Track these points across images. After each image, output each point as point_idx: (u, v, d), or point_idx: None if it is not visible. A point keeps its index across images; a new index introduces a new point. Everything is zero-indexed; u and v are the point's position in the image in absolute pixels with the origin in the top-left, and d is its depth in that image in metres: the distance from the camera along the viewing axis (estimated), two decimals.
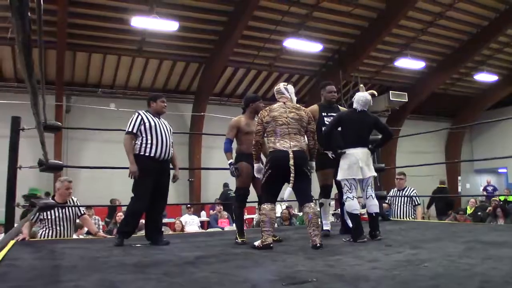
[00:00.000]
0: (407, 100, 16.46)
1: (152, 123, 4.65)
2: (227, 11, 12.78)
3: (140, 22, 11.50)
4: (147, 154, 4.58)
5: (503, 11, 14.53)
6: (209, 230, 10.11)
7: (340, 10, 13.43)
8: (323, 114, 5.10)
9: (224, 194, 12.67)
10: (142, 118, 4.65)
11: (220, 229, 9.84)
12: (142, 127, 4.62)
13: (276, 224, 9.10)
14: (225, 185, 12.65)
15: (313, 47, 14.02)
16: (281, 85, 4.46)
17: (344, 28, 14.50)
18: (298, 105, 4.39)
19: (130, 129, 4.63)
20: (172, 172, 4.96)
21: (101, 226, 9.23)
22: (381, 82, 17.88)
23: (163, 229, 5.24)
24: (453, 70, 17.33)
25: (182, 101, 15.90)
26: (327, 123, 4.95)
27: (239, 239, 4.59)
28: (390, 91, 16.36)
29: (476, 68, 18.06)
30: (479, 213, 10.23)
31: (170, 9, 11.99)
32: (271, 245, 4.02)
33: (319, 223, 4.27)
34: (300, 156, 4.15)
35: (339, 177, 4.58)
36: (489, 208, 9.96)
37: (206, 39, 13.84)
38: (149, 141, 4.60)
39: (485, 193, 15.27)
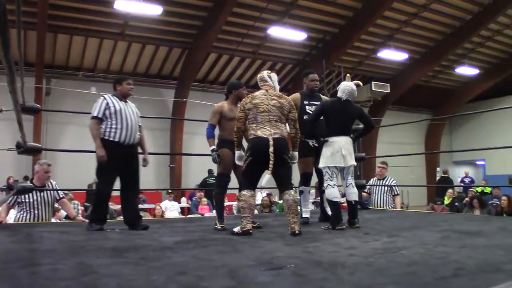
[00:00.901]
0: (389, 91, 16.58)
1: (118, 107, 4.57)
2: None
3: (124, 5, 11.33)
4: (111, 138, 4.50)
5: (486, 5, 14.68)
6: (189, 216, 10.11)
7: None
8: (305, 102, 5.10)
9: (203, 181, 12.67)
10: (107, 103, 4.56)
11: (200, 215, 9.85)
12: (108, 112, 4.53)
13: (256, 211, 9.14)
14: (210, 172, 12.63)
15: (297, 36, 14.00)
16: (264, 73, 4.45)
17: (329, 18, 14.50)
18: (280, 93, 4.38)
19: (95, 114, 4.55)
20: (142, 156, 4.95)
21: (80, 211, 9.16)
22: (364, 73, 17.96)
23: (142, 214, 5.22)
24: (435, 62, 17.49)
25: (164, 87, 15.78)
26: (309, 111, 5.00)
27: (218, 225, 4.58)
28: (373, 82, 16.45)
29: (458, 61, 18.26)
30: (456, 204, 10.39)
31: None
32: (250, 231, 4.03)
33: (299, 210, 4.30)
34: (280, 143, 4.15)
35: (321, 165, 4.60)
36: (466, 199, 10.12)
37: (190, 25, 13.72)
38: (113, 126, 4.52)
39: (462, 184, 15.51)
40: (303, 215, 5.09)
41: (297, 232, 3.91)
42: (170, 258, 2.92)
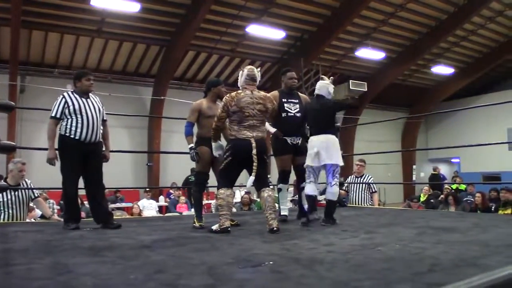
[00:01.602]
0: (366, 89, 16.74)
1: (77, 105, 4.44)
2: None
3: (100, 1, 11.18)
4: (72, 136, 4.40)
5: (461, 6, 14.93)
6: (167, 214, 10.06)
7: None
8: (283, 100, 5.09)
9: (185, 179, 12.59)
10: (66, 101, 4.44)
11: (178, 214, 9.80)
12: (67, 111, 4.42)
13: (235, 209, 9.13)
14: (192, 170, 12.54)
15: (275, 34, 14.03)
16: (255, 71, 4.39)
17: (307, 16, 14.55)
18: (264, 94, 4.36)
19: (53, 114, 4.45)
20: (107, 152, 4.84)
21: (56, 210, 9.04)
22: (342, 71, 18.08)
23: (120, 213, 5.16)
24: (411, 61, 17.72)
25: (142, 84, 15.64)
26: (287, 109, 5.02)
27: (197, 223, 4.55)
28: (350, 80, 16.59)
29: (434, 60, 18.54)
30: (431, 200, 10.55)
31: None
32: (229, 228, 4.02)
33: (276, 207, 4.30)
34: (261, 145, 4.17)
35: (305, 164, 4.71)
36: (441, 196, 10.28)
37: (168, 22, 13.62)
38: (73, 123, 4.40)
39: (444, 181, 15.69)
40: (282, 213, 5.08)
41: (275, 228, 3.92)
42: (148, 257, 2.91)
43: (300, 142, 5.06)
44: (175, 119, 7.25)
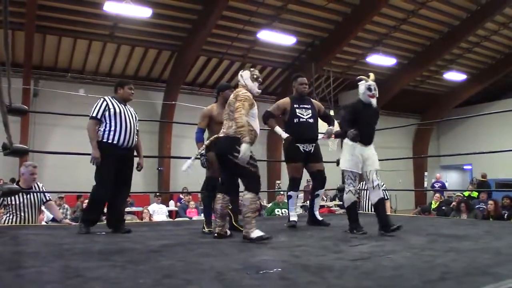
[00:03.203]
0: (377, 95, 16.64)
1: (117, 110, 4.54)
2: (202, 0, 12.66)
3: (113, 7, 11.28)
4: (110, 141, 4.47)
5: (474, 11, 14.83)
6: (177, 219, 10.08)
7: (315, 3, 13.47)
8: (295, 106, 5.07)
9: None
10: (107, 104, 4.54)
11: (188, 219, 9.82)
12: (107, 113, 4.50)
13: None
14: None
15: (286, 40, 14.04)
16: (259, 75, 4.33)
17: (318, 22, 14.55)
18: (236, 90, 4.22)
19: (94, 114, 4.52)
20: (136, 160, 4.91)
21: (68, 216, 9.10)
22: (353, 77, 17.92)
23: (130, 218, 5.19)
24: (423, 67, 17.63)
25: (153, 89, 15.73)
26: (300, 114, 5.01)
27: (206, 229, 4.53)
28: None
29: (446, 66, 18.42)
30: (443, 208, 10.46)
31: None
32: (215, 234, 4.05)
33: (251, 214, 3.94)
34: (221, 142, 4.08)
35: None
36: (453, 203, 10.19)
37: (180, 27, 13.70)
38: (112, 128, 4.49)
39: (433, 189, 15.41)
40: (291, 219, 5.03)
41: (246, 236, 3.81)
42: (157, 261, 2.91)
43: (313, 149, 5.03)
44: (186, 124, 7.26)
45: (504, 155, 15.42)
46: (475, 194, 11.77)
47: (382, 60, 16.20)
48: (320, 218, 5.24)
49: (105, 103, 4.55)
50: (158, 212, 10.84)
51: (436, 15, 14.91)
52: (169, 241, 3.88)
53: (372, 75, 4.68)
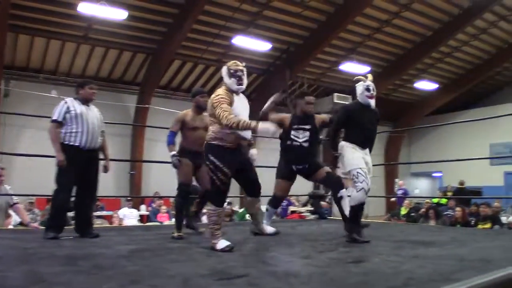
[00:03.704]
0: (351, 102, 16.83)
1: (79, 111, 4.46)
2: (178, 3, 12.59)
3: (88, 8, 11.13)
4: (71, 143, 4.39)
5: (446, 22, 15.14)
6: (147, 224, 9.98)
7: (290, 10, 13.55)
8: (293, 126, 4.69)
9: None
10: (68, 106, 4.46)
11: (159, 223, 9.73)
12: (68, 115, 4.43)
13: None
14: None
15: (262, 46, 14.08)
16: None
17: (294, 29, 14.64)
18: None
19: (55, 117, 4.43)
20: (103, 161, 4.84)
21: (38, 220, 8.92)
22: (327, 84, 18.19)
23: (99, 222, 5.11)
24: (395, 76, 17.90)
25: (126, 92, 15.55)
26: (293, 137, 4.67)
27: (176, 234, 4.51)
28: (335, 94, 16.70)
29: (418, 75, 18.74)
30: (412, 214, 10.62)
31: None
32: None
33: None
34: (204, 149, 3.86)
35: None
36: (422, 209, 10.36)
37: (155, 30, 13.60)
38: (74, 130, 4.41)
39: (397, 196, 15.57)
40: (268, 231, 4.71)
41: (212, 247, 3.66)
42: (124, 267, 2.88)
43: (307, 166, 4.67)
44: (159, 128, 7.21)
45: (473, 163, 15.77)
46: (444, 201, 12.00)
47: (356, 68, 16.39)
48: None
49: (66, 105, 4.47)
50: (129, 216, 10.71)
51: (409, 25, 15.17)
52: (138, 246, 3.84)
53: (370, 76, 4.62)
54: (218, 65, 15.50)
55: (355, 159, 4.23)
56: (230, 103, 3.69)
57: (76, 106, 4.49)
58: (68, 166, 4.34)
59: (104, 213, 11.28)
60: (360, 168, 4.16)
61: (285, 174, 4.83)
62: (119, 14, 11.44)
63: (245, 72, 3.91)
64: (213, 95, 3.81)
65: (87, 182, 4.55)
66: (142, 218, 11.80)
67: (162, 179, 13.17)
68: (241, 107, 3.81)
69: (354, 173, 4.17)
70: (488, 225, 8.29)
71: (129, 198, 11.87)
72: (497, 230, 7.43)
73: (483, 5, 14.03)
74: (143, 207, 13.10)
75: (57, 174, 4.42)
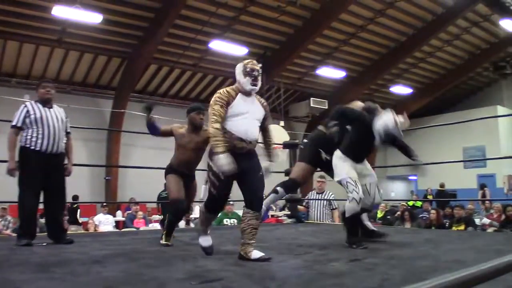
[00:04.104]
0: (327, 107, 16.98)
1: (39, 115, 4.32)
2: (154, 8, 12.53)
3: (62, 11, 11.00)
4: (32, 147, 4.26)
5: (420, 28, 15.42)
6: (123, 230, 9.87)
7: (267, 15, 13.61)
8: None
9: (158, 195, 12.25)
10: (28, 110, 4.33)
11: (135, 229, 9.64)
12: (27, 120, 4.30)
13: (192, 225, 9.06)
14: (166, 185, 12.32)
15: (238, 50, 14.10)
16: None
17: (270, 34, 14.70)
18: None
19: (14, 123, 4.32)
20: (70, 165, 4.66)
21: (10, 227, 8.75)
22: (303, 89, 18.30)
23: (74, 228, 5.03)
24: (371, 81, 18.12)
25: (102, 97, 15.39)
26: None
27: (163, 241, 4.26)
28: (311, 98, 16.83)
29: (393, 80, 19.00)
30: (388, 217, 10.74)
31: (94, 1, 11.54)
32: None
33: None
34: None
35: None
36: (398, 212, 10.48)
37: (131, 35, 13.50)
38: (34, 134, 4.28)
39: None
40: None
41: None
42: (98, 273, 2.84)
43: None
44: (135, 133, 7.13)
45: (447, 167, 15.99)
46: (419, 203, 12.16)
47: (332, 72, 16.54)
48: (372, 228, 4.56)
49: (25, 109, 4.35)
50: (105, 222, 10.58)
51: (384, 30, 15.40)
52: (113, 252, 3.79)
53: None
54: (194, 69, 15.50)
55: (346, 167, 4.13)
56: (227, 103, 3.44)
57: (36, 110, 4.35)
58: (29, 170, 4.25)
59: (80, 219, 11.12)
60: (349, 178, 4.04)
61: (313, 160, 4.66)
62: (94, 18, 11.33)
63: (260, 73, 3.64)
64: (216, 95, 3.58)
65: (54, 187, 4.42)
66: (118, 224, 11.67)
67: (138, 184, 13.09)
68: (246, 109, 3.47)
69: (345, 184, 4.07)
70: (462, 227, 8.43)
71: (104, 204, 11.71)
72: (470, 232, 7.55)
73: (456, 11, 14.33)
74: (119, 213, 12.96)
75: (19, 180, 4.30)
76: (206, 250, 3.56)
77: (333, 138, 4.28)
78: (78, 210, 11.84)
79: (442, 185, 14.80)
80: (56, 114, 4.47)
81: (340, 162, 4.15)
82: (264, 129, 3.69)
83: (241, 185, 3.51)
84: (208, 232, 3.65)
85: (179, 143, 4.36)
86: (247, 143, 3.43)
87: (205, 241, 3.60)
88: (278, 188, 4.82)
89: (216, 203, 3.57)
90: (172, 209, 4.40)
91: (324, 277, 2.61)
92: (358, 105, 4.70)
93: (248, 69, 3.55)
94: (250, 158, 3.48)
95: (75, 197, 11.97)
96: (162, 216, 11.58)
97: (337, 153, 4.20)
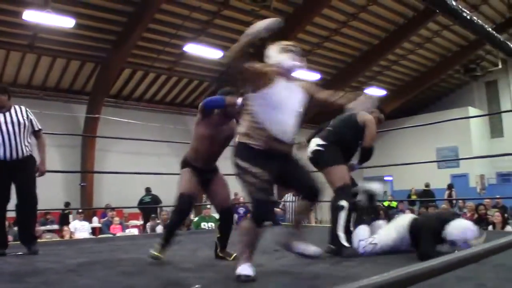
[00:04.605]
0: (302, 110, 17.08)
1: None
2: (127, 12, 12.44)
3: (33, 16, 10.82)
4: None
5: (392, 31, 15.65)
6: (100, 236, 9.75)
7: (241, 19, 13.64)
8: None
9: (139, 201, 12.15)
10: None
11: (112, 235, 9.53)
12: None
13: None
14: (148, 190, 12.26)
15: (213, 54, 14.09)
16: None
17: None
18: None
19: None
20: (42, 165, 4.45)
21: None
22: None
23: (49, 236, 4.94)
24: (345, 83, 18.28)
25: (75, 102, 15.17)
26: None
27: (156, 252, 3.55)
28: None
29: (367, 82, 19.23)
30: (364, 218, 10.84)
31: (66, 5, 11.40)
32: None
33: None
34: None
35: None
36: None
37: (104, 39, 13.36)
38: None
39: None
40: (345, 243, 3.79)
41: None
42: (73, 281, 2.82)
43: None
44: (110, 138, 7.05)
45: (421, 167, 16.25)
46: (394, 204, 12.33)
47: (306, 75, 16.65)
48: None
49: None
50: (81, 229, 10.43)
51: (357, 34, 15.59)
52: (88, 259, 3.75)
53: None
54: (169, 73, 15.42)
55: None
56: (265, 77, 2.83)
57: None
58: None
59: (54, 226, 10.96)
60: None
61: (343, 160, 4.10)
62: (67, 22, 11.17)
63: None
64: None
65: (21, 193, 4.22)
66: (94, 231, 11.52)
67: (115, 190, 12.95)
68: (284, 96, 2.87)
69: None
70: None
71: (80, 210, 11.55)
72: None
73: (427, 14, 14.60)
74: (95, 219, 12.79)
75: None
76: (244, 278, 2.69)
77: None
78: (70, 216, 11.76)
79: (427, 185, 15.12)
80: (12, 117, 4.24)
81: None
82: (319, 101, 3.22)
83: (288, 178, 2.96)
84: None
85: (207, 132, 3.59)
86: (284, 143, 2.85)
87: (248, 270, 2.71)
88: (343, 203, 3.90)
89: (267, 207, 2.83)
90: (176, 206, 3.65)
91: (299, 281, 2.65)
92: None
93: (283, 46, 3.07)
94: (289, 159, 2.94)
95: (67, 204, 11.88)
96: (142, 222, 11.56)
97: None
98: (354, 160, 4.29)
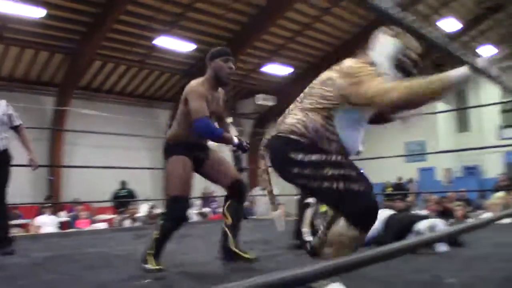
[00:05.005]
0: (274, 103, 17.19)
1: None
2: (99, 3, 12.25)
3: (2, 5, 10.58)
4: None
5: (364, 26, 15.80)
6: (67, 230, 9.64)
7: (214, 12, 13.61)
8: None
9: (114, 194, 12.04)
10: None
11: (78, 230, 9.44)
12: None
13: (140, 223, 8.98)
14: (123, 183, 12.16)
15: (185, 47, 14.03)
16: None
17: (217, 30, 14.70)
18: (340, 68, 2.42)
19: None
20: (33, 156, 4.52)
21: None
22: (250, 86, 18.40)
23: (16, 231, 4.87)
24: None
25: (44, 94, 14.88)
26: None
27: (150, 265, 2.87)
28: (258, 95, 16.98)
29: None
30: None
31: None
32: None
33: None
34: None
35: None
36: None
37: (74, 30, 13.12)
38: None
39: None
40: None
41: None
42: (39, 276, 2.82)
43: None
44: (79, 132, 6.96)
45: (390, 161, 16.55)
46: None
47: (278, 69, 16.75)
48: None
49: None
50: (48, 224, 10.27)
51: (329, 28, 15.75)
52: (54, 253, 3.74)
53: None
54: (140, 66, 15.28)
55: None
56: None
57: None
58: None
59: (22, 221, 10.77)
60: None
61: None
62: (37, 12, 11.00)
63: None
64: (352, 64, 2.39)
65: None
66: (62, 225, 11.36)
67: (83, 183, 12.79)
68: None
69: None
70: None
71: (47, 205, 11.37)
72: None
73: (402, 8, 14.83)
74: (63, 213, 12.62)
75: None
76: None
77: None
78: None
79: (399, 178, 15.59)
80: None
81: None
82: None
83: None
84: None
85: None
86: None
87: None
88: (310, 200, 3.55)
89: (370, 200, 2.14)
90: (169, 212, 3.02)
91: (265, 272, 2.69)
92: None
93: (408, 54, 2.34)
94: None
95: (49, 197, 11.72)
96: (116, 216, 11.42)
97: None
98: None
